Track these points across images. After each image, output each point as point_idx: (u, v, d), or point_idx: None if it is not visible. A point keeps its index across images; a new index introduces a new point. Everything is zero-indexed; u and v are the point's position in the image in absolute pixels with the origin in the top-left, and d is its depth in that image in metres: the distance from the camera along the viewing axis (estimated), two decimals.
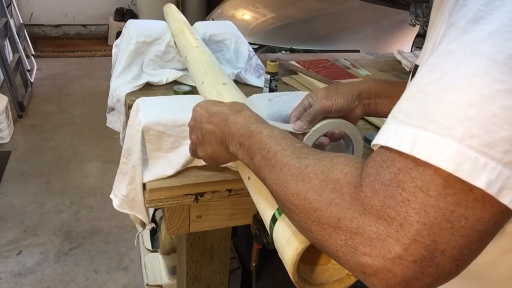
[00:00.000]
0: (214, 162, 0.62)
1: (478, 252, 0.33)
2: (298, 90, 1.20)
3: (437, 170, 0.31)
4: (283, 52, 2.36)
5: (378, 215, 0.33)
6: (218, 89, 0.80)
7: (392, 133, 0.34)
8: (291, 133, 0.76)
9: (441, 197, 0.31)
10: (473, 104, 0.31)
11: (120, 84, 1.09)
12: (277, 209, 0.49)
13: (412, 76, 0.53)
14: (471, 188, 0.31)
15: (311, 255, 0.49)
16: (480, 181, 0.30)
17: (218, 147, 0.58)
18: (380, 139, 0.35)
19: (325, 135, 0.69)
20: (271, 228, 0.50)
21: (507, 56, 0.31)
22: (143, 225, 0.89)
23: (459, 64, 0.32)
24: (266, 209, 0.52)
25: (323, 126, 0.68)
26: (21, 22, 4.15)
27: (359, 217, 0.34)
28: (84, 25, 5.12)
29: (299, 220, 0.40)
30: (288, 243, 0.45)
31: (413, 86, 0.35)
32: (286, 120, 0.81)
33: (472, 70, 0.31)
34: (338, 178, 0.38)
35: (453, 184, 0.31)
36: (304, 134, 0.72)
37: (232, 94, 0.78)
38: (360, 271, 0.35)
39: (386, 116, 0.38)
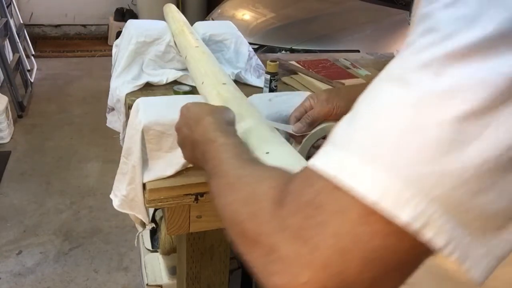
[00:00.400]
0: (197, 165, 0.62)
1: (397, 284, 0.32)
2: (298, 90, 1.20)
3: (359, 198, 0.30)
4: (283, 52, 2.36)
5: (295, 235, 0.32)
6: (218, 89, 0.80)
7: (323, 153, 0.33)
8: (291, 134, 0.77)
9: (358, 225, 0.30)
10: (403, 133, 0.29)
11: (120, 84, 1.09)
12: None
13: None
14: (391, 220, 0.29)
15: None
16: (403, 215, 0.28)
17: (192, 152, 0.59)
18: (312, 159, 0.34)
19: (324, 138, 0.70)
20: None
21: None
22: (143, 225, 0.89)
23: (389, 89, 0.32)
24: None
25: (322, 129, 0.68)
26: (21, 22, 4.16)
27: (276, 234, 0.33)
28: (84, 25, 5.12)
29: (229, 232, 0.39)
30: None
31: (354, 107, 0.34)
32: (286, 120, 0.81)
33: (404, 97, 0.30)
34: (263, 191, 0.37)
35: (373, 214, 0.29)
36: (303, 136, 0.72)
37: (232, 94, 0.78)
38: (271, 284, 0.33)
39: None
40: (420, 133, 0.29)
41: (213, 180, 0.47)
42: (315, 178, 0.33)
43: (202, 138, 0.54)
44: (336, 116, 0.69)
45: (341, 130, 0.34)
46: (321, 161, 0.33)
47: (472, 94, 0.28)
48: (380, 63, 1.51)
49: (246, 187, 0.40)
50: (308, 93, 0.93)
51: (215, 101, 0.79)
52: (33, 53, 4.12)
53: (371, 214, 0.29)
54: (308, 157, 0.56)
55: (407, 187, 0.29)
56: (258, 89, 1.15)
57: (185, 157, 0.64)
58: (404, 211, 0.28)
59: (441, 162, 0.29)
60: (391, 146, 0.30)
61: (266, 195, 0.36)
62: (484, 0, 0.29)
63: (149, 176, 0.76)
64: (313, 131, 0.68)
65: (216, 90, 0.81)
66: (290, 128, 0.76)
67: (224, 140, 0.51)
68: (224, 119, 0.58)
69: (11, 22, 3.48)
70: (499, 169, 0.29)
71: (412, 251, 0.30)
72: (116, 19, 4.74)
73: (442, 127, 0.29)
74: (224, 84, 0.82)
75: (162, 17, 1.34)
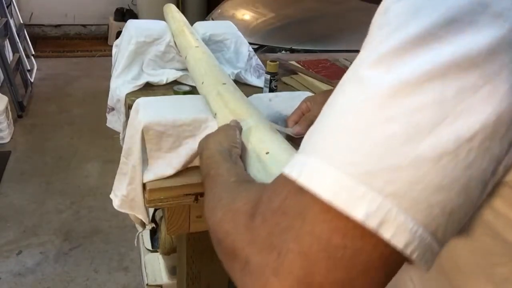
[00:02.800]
0: None
1: None
2: (298, 90, 1.20)
3: (316, 197, 0.30)
4: (283, 52, 2.36)
5: (263, 244, 0.32)
6: (218, 89, 0.80)
7: (292, 160, 0.34)
8: (289, 136, 0.77)
9: (317, 224, 0.29)
10: (355, 131, 0.30)
11: (120, 84, 1.09)
12: None
13: None
14: (348, 216, 0.29)
15: None
16: (358, 212, 0.28)
17: None
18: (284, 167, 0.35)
19: None
20: None
21: (393, 83, 0.29)
22: (143, 225, 0.89)
23: (347, 89, 0.32)
24: None
25: None
26: (21, 22, 4.15)
27: (248, 247, 0.33)
28: (84, 25, 5.12)
29: (217, 252, 0.41)
30: None
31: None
32: (285, 121, 0.81)
33: (357, 96, 0.30)
34: (237, 208, 0.38)
35: (330, 211, 0.29)
36: (302, 138, 0.72)
37: (232, 94, 0.78)
38: None
39: None
40: (372, 130, 0.29)
41: (206, 193, 0.51)
42: (282, 186, 0.33)
43: (202, 173, 0.59)
44: None
45: (306, 136, 0.34)
46: (287, 167, 0.33)
47: (420, 88, 0.28)
48: None
49: (223, 208, 0.41)
50: (308, 93, 0.93)
51: (215, 101, 0.79)
52: (33, 53, 4.11)
53: (328, 212, 0.29)
54: None
55: (360, 184, 0.28)
56: (258, 89, 1.15)
57: None
58: (359, 208, 0.28)
59: (393, 157, 0.28)
60: (345, 145, 0.30)
61: (240, 211, 0.37)
62: None
63: (149, 176, 0.76)
64: None
65: (216, 90, 0.81)
66: (290, 130, 0.76)
67: (214, 171, 0.55)
68: (218, 149, 0.61)
69: (11, 22, 3.48)
70: (458, 164, 0.28)
71: (376, 253, 0.29)
72: (116, 19, 4.74)
73: (392, 123, 0.28)
74: (224, 84, 0.82)
75: (162, 17, 1.34)
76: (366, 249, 0.29)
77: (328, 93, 0.76)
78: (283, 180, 0.33)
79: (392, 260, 0.30)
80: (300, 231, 0.30)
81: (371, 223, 0.28)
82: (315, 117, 0.75)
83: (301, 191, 0.31)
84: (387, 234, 0.28)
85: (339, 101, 0.32)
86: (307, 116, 0.73)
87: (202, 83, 0.87)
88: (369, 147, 0.29)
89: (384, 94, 0.29)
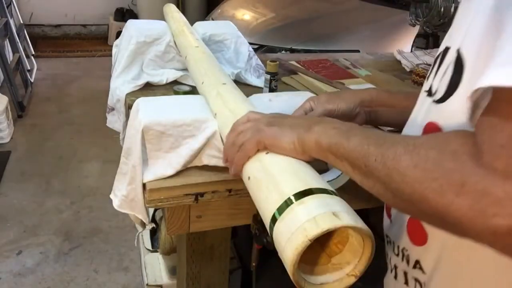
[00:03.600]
0: (271, 141, 0.59)
1: None
2: (298, 90, 1.20)
3: None
4: (283, 52, 2.35)
5: (504, 175, 0.34)
6: (218, 89, 0.80)
7: (504, 75, 0.35)
8: None
9: None
10: None
11: (120, 84, 1.09)
12: (277, 209, 0.49)
13: (442, 59, 0.54)
14: None
15: (311, 255, 0.49)
16: None
17: (289, 129, 0.57)
18: (490, 80, 0.36)
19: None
20: (271, 228, 0.50)
21: None
22: (143, 225, 0.89)
23: None
24: (266, 209, 0.52)
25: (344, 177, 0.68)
26: (21, 22, 4.16)
27: (484, 180, 0.35)
28: (84, 25, 5.12)
29: (412, 192, 0.41)
30: (288, 242, 0.45)
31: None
32: None
33: None
34: (455, 149, 0.39)
35: None
36: None
37: (232, 94, 0.78)
38: (490, 233, 0.34)
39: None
40: None
41: (372, 148, 0.47)
42: (502, 123, 0.35)
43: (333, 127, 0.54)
44: (337, 117, 0.68)
45: (492, 51, 0.36)
46: (499, 80, 0.34)
47: None
48: (380, 63, 1.51)
49: (434, 149, 0.41)
50: (308, 93, 0.93)
51: (215, 101, 0.79)
52: (33, 53, 4.12)
53: None
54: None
55: None
56: (258, 89, 1.15)
57: (261, 134, 0.59)
58: None
59: None
60: None
61: (460, 151, 0.38)
62: None
63: (149, 176, 0.76)
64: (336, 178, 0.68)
65: (216, 90, 0.81)
66: None
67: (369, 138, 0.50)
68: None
69: (11, 22, 3.48)
70: None
71: None
72: (116, 19, 4.74)
73: None
74: (224, 84, 0.82)
75: (162, 17, 1.34)
76: None
77: (332, 94, 0.76)
78: (501, 119, 0.36)
79: None
80: None
81: None
82: (319, 115, 0.74)
83: None
84: None
85: None
86: (310, 115, 0.73)
87: (202, 83, 0.87)
88: None
89: None
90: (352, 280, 0.49)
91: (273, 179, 0.54)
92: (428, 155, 0.41)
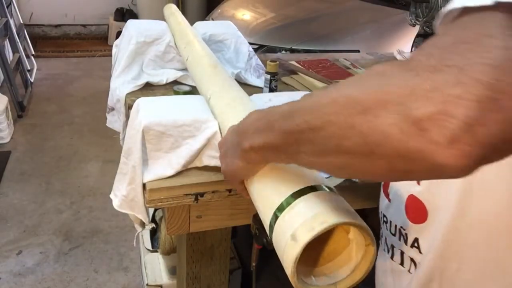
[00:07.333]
0: (231, 174, 0.57)
1: None
2: (298, 90, 1.20)
3: (503, 11, 0.29)
4: (283, 52, 2.35)
5: (434, 69, 0.30)
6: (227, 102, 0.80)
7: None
8: None
9: (508, 38, 0.29)
10: None
11: (120, 84, 1.09)
12: (277, 209, 0.49)
13: None
14: None
15: (310, 257, 0.48)
16: None
17: (232, 152, 0.54)
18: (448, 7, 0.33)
19: None
20: (271, 229, 0.50)
21: None
22: (143, 225, 0.89)
23: None
24: (266, 212, 0.52)
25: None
26: (21, 22, 4.15)
27: (412, 80, 0.31)
28: (84, 25, 5.12)
29: (339, 121, 0.34)
30: (287, 245, 0.45)
31: None
32: None
33: None
34: (383, 68, 0.35)
35: None
36: None
37: (236, 92, 0.78)
38: (416, 128, 0.29)
39: None
40: None
41: (297, 106, 0.41)
42: (439, 36, 0.32)
43: (254, 117, 0.49)
44: None
45: None
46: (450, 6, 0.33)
47: None
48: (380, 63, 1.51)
49: (358, 75, 0.37)
50: (308, 93, 0.93)
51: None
52: (33, 53, 4.11)
53: None
54: None
55: None
56: (258, 89, 1.15)
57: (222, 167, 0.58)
58: None
59: None
60: None
61: (388, 66, 0.34)
62: None
63: (149, 176, 0.76)
64: None
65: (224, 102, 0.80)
66: None
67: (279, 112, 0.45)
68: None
69: (11, 22, 3.48)
70: None
71: None
72: (116, 19, 4.74)
73: None
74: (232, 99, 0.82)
75: (162, 17, 1.34)
76: None
77: None
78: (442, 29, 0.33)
79: None
80: (487, 47, 0.29)
81: None
82: None
83: (480, 19, 0.30)
84: None
85: None
86: None
87: (209, 98, 0.87)
88: None
89: None
90: (353, 282, 0.49)
91: (261, 199, 0.54)
92: (353, 80, 0.37)
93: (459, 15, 0.33)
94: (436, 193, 0.57)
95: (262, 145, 0.46)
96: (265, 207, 0.52)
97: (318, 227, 0.43)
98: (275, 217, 0.49)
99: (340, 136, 0.34)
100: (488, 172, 0.49)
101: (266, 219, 0.51)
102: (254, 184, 0.56)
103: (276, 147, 0.44)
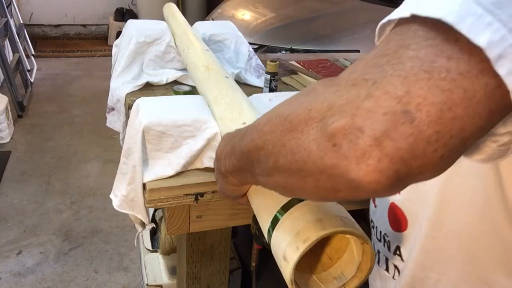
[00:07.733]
0: (225, 195, 0.56)
1: (466, 127, 0.28)
2: (298, 90, 1.20)
3: (422, 23, 0.29)
4: (283, 52, 2.36)
5: (353, 83, 0.30)
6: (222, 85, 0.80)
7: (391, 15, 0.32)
8: None
9: (422, 48, 0.28)
10: None
11: (120, 84, 1.09)
12: (270, 226, 0.49)
13: None
14: (456, 39, 0.27)
15: (314, 263, 0.48)
16: (481, 39, 0.26)
17: (218, 175, 0.53)
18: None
19: None
20: (269, 246, 0.49)
21: None
22: (143, 225, 0.89)
23: None
24: (264, 227, 0.51)
25: None
26: (21, 22, 4.16)
27: (332, 95, 0.30)
28: (84, 25, 5.12)
29: (273, 139, 0.34)
30: (281, 266, 0.44)
31: None
32: None
33: None
34: (314, 86, 0.35)
35: (436, 36, 0.28)
36: None
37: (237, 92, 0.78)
38: (330, 144, 0.29)
39: None
40: None
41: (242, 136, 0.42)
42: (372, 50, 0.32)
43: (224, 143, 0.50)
44: None
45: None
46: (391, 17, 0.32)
47: None
48: None
49: (289, 98, 0.37)
50: None
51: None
52: (33, 53, 4.12)
53: (433, 38, 0.28)
54: None
55: (488, 13, 0.27)
56: (258, 89, 1.15)
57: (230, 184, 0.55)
58: (482, 35, 0.27)
59: None
60: None
61: (317, 84, 0.34)
62: None
63: (149, 176, 0.76)
64: None
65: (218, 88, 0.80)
66: None
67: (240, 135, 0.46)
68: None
69: (11, 22, 3.48)
70: None
71: (480, 82, 0.27)
72: (116, 19, 4.74)
73: None
74: (226, 77, 0.82)
75: (162, 17, 1.34)
76: (471, 74, 0.27)
77: None
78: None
79: (496, 99, 0.28)
80: (401, 59, 0.28)
81: (491, 54, 0.26)
82: None
83: (401, 30, 0.30)
84: (502, 70, 0.26)
85: None
86: None
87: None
88: None
89: None
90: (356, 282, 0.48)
91: (258, 213, 0.54)
92: (284, 103, 0.36)
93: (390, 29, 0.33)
94: (415, 202, 0.57)
95: (232, 169, 0.46)
96: (262, 223, 0.52)
97: (301, 247, 0.42)
98: (269, 235, 0.48)
99: (275, 154, 0.34)
100: (462, 184, 0.50)
101: (264, 229, 0.51)
102: (251, 199, 0.55)
103: (241, 169, 0.44)
